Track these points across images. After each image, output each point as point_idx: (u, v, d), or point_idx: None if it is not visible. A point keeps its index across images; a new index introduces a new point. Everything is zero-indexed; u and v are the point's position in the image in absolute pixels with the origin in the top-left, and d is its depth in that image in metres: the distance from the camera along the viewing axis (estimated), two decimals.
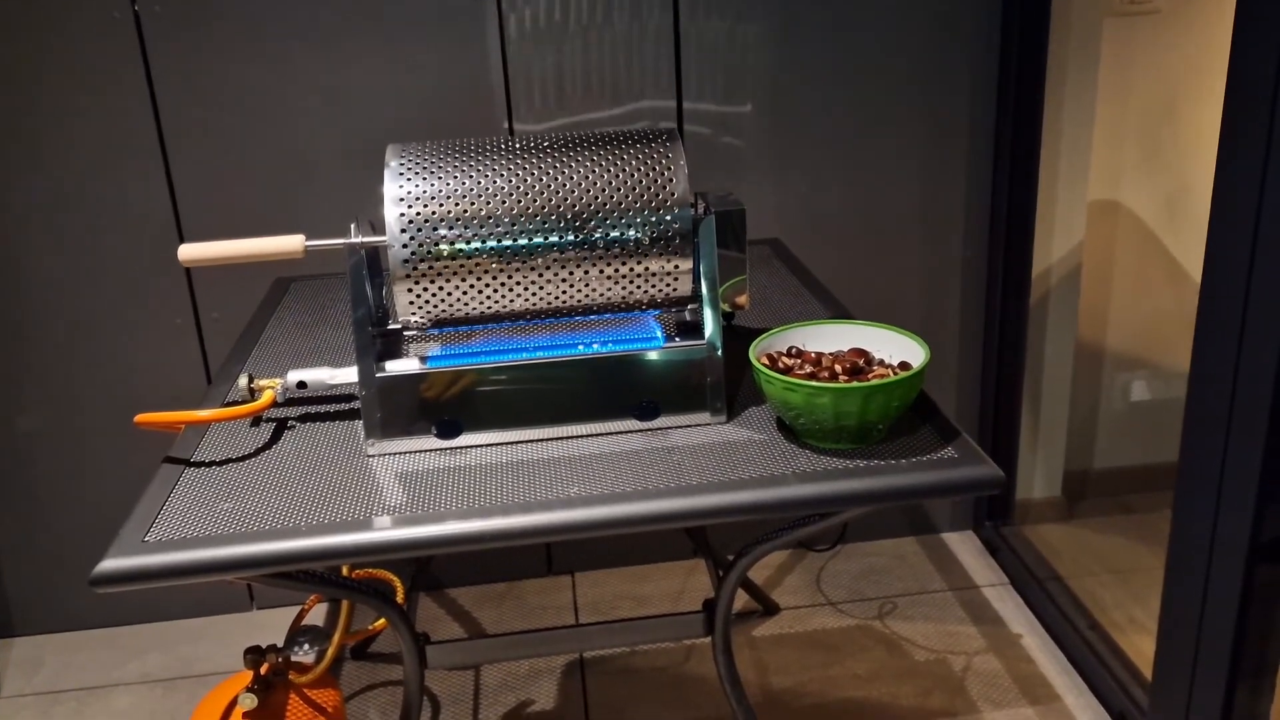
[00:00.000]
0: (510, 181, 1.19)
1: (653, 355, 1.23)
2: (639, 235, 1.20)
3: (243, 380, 1.30)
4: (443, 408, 1.22)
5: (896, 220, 2.10)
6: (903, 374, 1.13)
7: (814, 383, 1.11)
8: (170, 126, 1.89)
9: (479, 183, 1.19)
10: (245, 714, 1.49)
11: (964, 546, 2.31)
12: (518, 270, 1.19)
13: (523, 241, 1.18)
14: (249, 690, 1.48)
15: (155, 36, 1.84)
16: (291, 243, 1.22)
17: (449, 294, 1.20)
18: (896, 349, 1.23)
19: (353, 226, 1.21)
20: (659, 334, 1.29)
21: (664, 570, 2.26)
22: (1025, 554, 2.17)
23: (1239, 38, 1.24)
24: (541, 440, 1.23)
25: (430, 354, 1.26)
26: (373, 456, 1.21)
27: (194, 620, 2.20)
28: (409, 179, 1.19)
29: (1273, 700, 1.39)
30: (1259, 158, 1.21)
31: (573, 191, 1.20)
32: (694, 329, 1.29)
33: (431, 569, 2.24)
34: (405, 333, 1.32)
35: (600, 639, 1.60)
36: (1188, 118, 2.12)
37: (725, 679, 1.51)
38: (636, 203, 1.20)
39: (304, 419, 1.32)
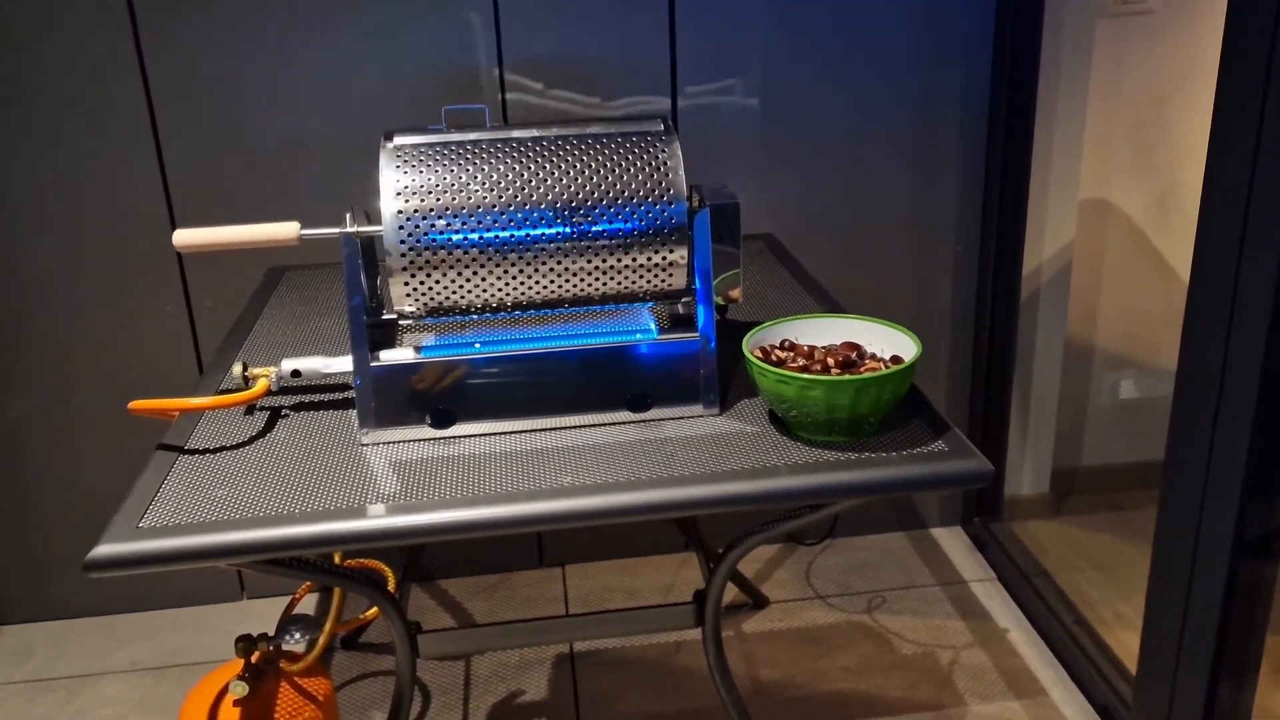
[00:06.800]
0: (506, 173, 1.20)
1: (646, 347, 1.24)
2: (634, 228, 1.21)
3: (237, 368, 1.30)
4: (436, 397, 1.23)
5: (889, 216, 2.11)
6: (894, 367, 1.14)
7: (806, 375, 1.12)
8: (163, 114, 1.89)
9: (475, 174, 1.19)
10: (236, 702, 1.50)
11: (952, 542, 2.32)
12: (513, 261, 1.20)
13: (518, 233, 1.19)
14: (240, 679, 1.48)
15: (148, 23, 1.83)
16: (286, 230, 1.22)
17: (444, 284, 1.20)
18: (888, 343, 1.24)
19: (348, 216, 1.21)
20: (653, 326, 1.30)
21: (654, 563, 2.27)
22: (1013, 549, 2.18)
23: (1230, 38, 1.25)
24: (535, 431, 1.24)
25: (425, 344, 1.26)
26: (366, 445, 1.22)
27: (185, 609, 2.20)
28: (405, 169, 1.19)
29: (1255, 695, 1.40)
30: (1248, 158, 1.23)
31: (568, 184, 1.20)
32: (687, 322, 1.29)
33: (423, 560, 2.24)
34: (400, 323, 1.32)
35: (591, 630, 1.61)
36: (1178, 118, 2.14)
37: (715, 670, 1.52)
38: (632, 196, 1.20)
39: (298, 407, 1.32)
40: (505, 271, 1.20)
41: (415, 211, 1.17)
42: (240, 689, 1.47)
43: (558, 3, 1.89)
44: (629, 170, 1.21)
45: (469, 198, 1.18)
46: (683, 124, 2.00)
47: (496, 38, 1.91)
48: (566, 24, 1.91)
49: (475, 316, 1.25)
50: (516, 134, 1.24)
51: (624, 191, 1.20)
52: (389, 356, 1.22)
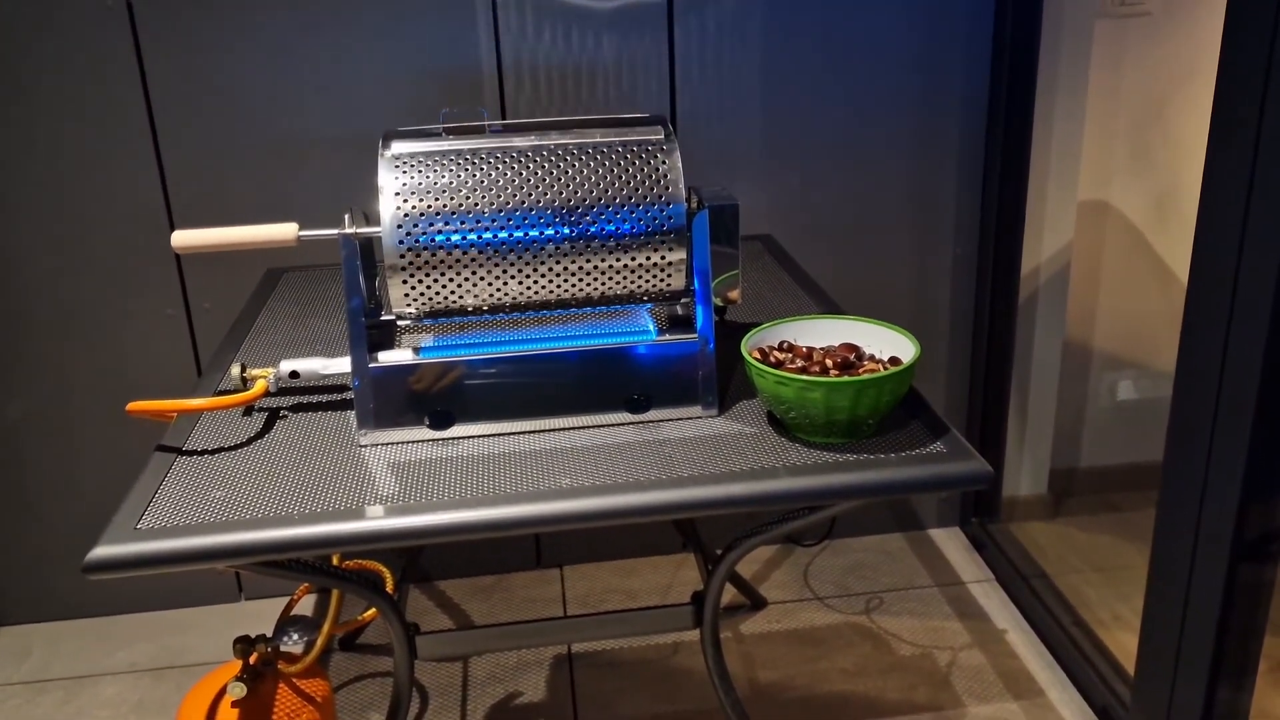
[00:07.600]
0: (506, 174, 1.20)
1: (645, 348, 1.24)
2: (633, 229, 1.21)
3: (235, 369, 1.30)
4: (435, 399, 1.22)
5: (888, 217, 2.11)
6: (893, 369, 1.14)
7: (805, 377, 1.12)
8: (162, 115, 1.89)
9: (474, 175, 1.19)
10: (234, 703, 1.50)
11: (950, 543, 2.32)
12: (512, 263, 1.20)
13: (517, 234, 1.19)
14: (238, 680, 1.48)
15: (148, 23, 1.83)
16: (285, 231, 1.22)
17: (443, 286, 1.20)
18: (887, 344, 1.24)
19: (346, 217, 1.21)
20: (651, 327, 1.30)
21: (652, 564, 2.27)
22: (1011, 551, 2.18)
23: (1229, 40, 1.25)
24: (534, 432, 1.24)
25: (423, 345, 1.26)
26: (365, 446, 1.22)
27: (182, 610, 2.20)
28: (404, 170, 1.19)
29: (1253, 697, 1.40)
30: (1247, 159, 1.23)
31: (568, 185, 1.20)
32: (686, 323, 1.29)
33: (421, 561, 2.24)
34: (399, 324, 1.32)
35: (589, 631, 1.61)
36: (1177, 119, 2.14)
37: (714, 672, 1.52)
38: (631, 197, 1.20)
39: (296, 409, 1.32)
40: (504, 273, 1.20)
41: (414, 213, 1.17)
42: (238, 690, 1.47)
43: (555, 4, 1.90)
44: (629, 172, 1.21)
45: (468, 199, 1.18)
46: (681, 125, 2.00)
47: (495, 38, 1.91)
48: (565, 30, 1.91)
49: (474, 318, 1.25)
50: (517, 141, 1.23)
51: (624, 193, 1.20)
52: (387, 357, 1.22)
